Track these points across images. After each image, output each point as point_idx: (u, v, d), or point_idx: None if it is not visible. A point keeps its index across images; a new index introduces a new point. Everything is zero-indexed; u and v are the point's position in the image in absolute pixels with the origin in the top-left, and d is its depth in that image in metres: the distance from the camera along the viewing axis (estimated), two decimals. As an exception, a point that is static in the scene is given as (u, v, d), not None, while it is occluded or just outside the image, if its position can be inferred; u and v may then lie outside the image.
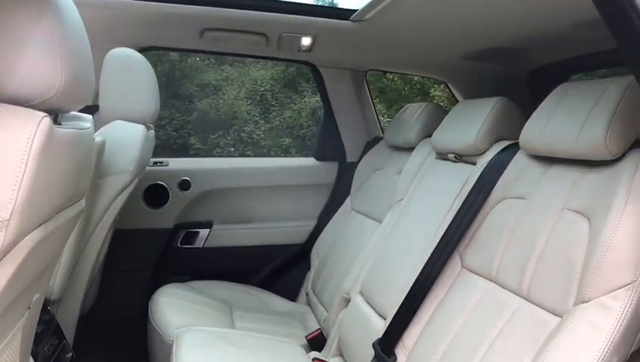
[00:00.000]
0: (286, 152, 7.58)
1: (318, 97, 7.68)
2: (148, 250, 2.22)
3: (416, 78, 7.45)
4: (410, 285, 1.39)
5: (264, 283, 2.30)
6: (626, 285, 0.88)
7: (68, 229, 1.04)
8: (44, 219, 0.82)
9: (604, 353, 0.86)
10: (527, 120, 1.53)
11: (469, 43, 1.88)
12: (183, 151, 7.34)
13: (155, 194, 2.22)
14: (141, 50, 2.01)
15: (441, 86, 7.53)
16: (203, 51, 2.17)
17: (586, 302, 0.92)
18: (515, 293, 1.12)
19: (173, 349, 1.50)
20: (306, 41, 1.99)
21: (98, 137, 1.51)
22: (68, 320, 1.60)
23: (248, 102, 8.05)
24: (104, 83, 1.67)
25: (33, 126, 0.70)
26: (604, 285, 0.90)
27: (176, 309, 1.82)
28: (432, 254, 1.36)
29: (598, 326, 0.88)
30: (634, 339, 0.87)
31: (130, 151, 1.63)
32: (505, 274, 1.17)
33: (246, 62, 8.52)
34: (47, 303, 1.48)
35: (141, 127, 1.67)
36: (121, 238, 2.10)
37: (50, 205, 0.83)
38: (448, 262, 1.33)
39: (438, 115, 1.87)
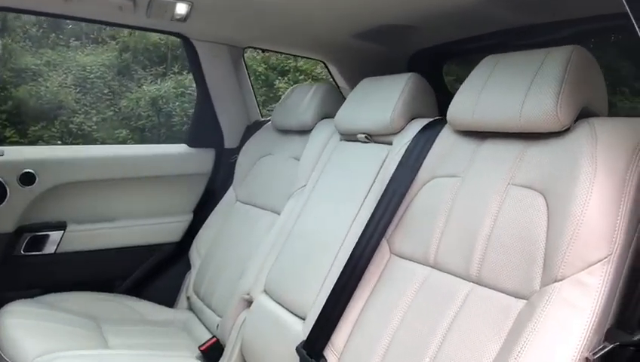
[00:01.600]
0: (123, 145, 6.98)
1: (158, 86, 7.20)
2: (-22, 261, 1.76)
3: (260, 70, 7.38)
4: (333, 278, 1.25)
5: (135, 289, 1.98)
6: (602, 259, 0.84)
7: None
8: None
9: (586, 333, 0.81)
10: (435, 98, 1.50)
11: (356, 21, 1.79)
12: (-7, 144, 6.34)
13: None
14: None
15: (286, 77, 7.57)
16: (53, 15, 1.76)
17: (560, 281, 0.86)
18: (462, 278, 1.05)
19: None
20: (180, 8, 1.72)
21: None
22: None
23: (77, 90, 7.25)
24: None
25: None
26: (579, 262, 0.85)
27: (29, 332, 1.45)
28: (357, 243, 1.23)
29: (577, 306, 0.83)
30: (609, 315, 0.84)
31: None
32: (447, 258, 1.09)
33: (71, 46, 7.70)
34: None
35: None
36: None
37: None
38: (377, 251, 1.21)
39: (333, 95, 1.76)
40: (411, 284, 1.13)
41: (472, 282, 1.03)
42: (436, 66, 2.19)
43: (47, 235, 1.87)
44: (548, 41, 1.70)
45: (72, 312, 1.67)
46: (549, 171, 0.97)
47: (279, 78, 7.61)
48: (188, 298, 1.91)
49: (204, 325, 1.76)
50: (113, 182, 1.99)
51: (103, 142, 7.01)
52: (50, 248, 1.87)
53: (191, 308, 1.89)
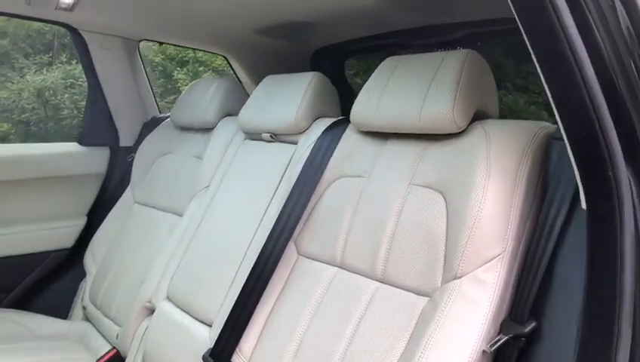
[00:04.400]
0: (4, 140, 6.40)
1: (44, 76, 6.66)
2: None
3: (157, 60, 7.09)
4: (239, 282, 1.23)
5: (22, 302, 1.82)
6: (497, 256, 0.89)
7: None
8: None
9: (484, 327, 0.86)
10: (338, 97, 1.51)
11: (258, 16, 1.76)
12: None
13: None
14: None
15: (185, 69, 7.33)
16: None
17: (459, 278, 0.90)
18: (369, 277, 1.06)
19: None
20: (66, -4, 1.59)
21: None
22: None
23: None
24: None
25: None
26: (476, 259, 0.89)
27: None
28: (264, 245, 1.22)
29: (475, 301, 0.87)
30: (504, 308, 0.89)
31: None
32: (353, 258, 1.10)
33: (-63, 30, 6.92)
34: None
35: None
36: None
37: None
38: (284, 253, 1.20)
39: (237, 92, 1.72)
40: (319, 285, 1.13)
41: (378, 281, 1.05)
42: (338, 63, 2.22)
43: None
44: (444, 42, 1.79)
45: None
46: (447, 172, 1.01)
47: (178, 68, 7.35)
48: (84, 307, 1.79)
49: (103, 336, 1.65)
50: (-5, 184, 1.81)
51: (-21, 137, 6.38)
52: None
53: (87, 319, 1.77)
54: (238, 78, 2.20)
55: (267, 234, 1.22)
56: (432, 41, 1.77)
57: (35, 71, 6.71)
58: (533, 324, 0.84)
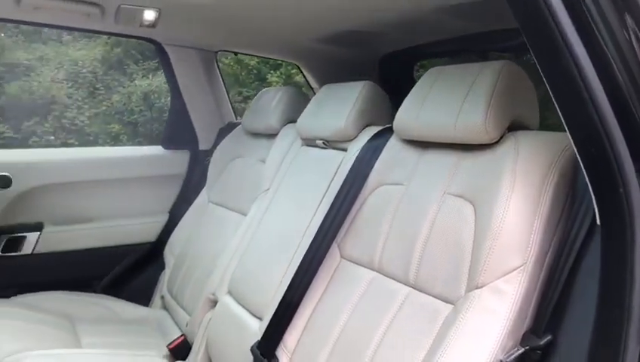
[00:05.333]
0: (116, 139, 7.01)
1: (150, 80, 7.20)
2: (-43, 263, 1.82)
3: (252, 63, 7.38)
4: (288, 280, 1.31)
5: (111, 289, 2.04)
6: (517, 268, 0.89)
7: None
8: None
9: (502, 337, 0.87)
10: (391, 105, 1.55)
11: (323, 26, 1.84)
12: (-11, 141, 6.39)
13: None
14: None
15: (278, 72, 7.58)
16: (20, 22, 1.80)
17: (480, 287, 0.92)
18: (402, 282, 1.10)
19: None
20: (149, 15, 1.76)
21: None
22: None
23: (69, 85, 7.27)
24: None
25: None
26: (497, 270, 0.90)
27: (4, 331, 1.51)
28: (310, 246, 1.29)
29: (494, 311, 0.88)
30: (525, 320, 0.89)
31: None
32: (389, 263, 1.14)
33: (63, 40, 7.70)
34: None
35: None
36: None
37: None
38: (328, 255, 1.27)
39: (299, 99, 1.81)
40: (357, 288, 1.19)
41: (410, 286, 1.08)
42: (407, 68, 2.24)
43: (24, 236, 1.93)
44: (509, 47, 1.76)
45: (47, 312, 1.73)
46: (478, 182, 1.02)
47: (271, 72, 7.60)
48: (162, 297, 1.97)
49: (176, 324, 1.81)
50: (89, 183, 2.04)
51: (96, 137, 7.04)
52: (27, 249, 1.93)
53: (165, 307, 1.95)
54: (309, 85, 2.29)
55: (313, 236, 1.29)
56: (498, 46, 1.74)
57: (142, 76, 7.28)
58: (549, 337, 0.84)
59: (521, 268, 0.89)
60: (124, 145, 6.87)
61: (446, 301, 0.99)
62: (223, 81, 2.24)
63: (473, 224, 0.99)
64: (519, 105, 1.06)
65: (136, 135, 7.17)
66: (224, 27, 1.92)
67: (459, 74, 1.15)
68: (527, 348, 0.85)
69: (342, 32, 1.86)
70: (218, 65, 2.21)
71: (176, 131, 2.18)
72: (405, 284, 1.09)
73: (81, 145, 6.85)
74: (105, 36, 7.67)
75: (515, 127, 1.05)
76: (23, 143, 6.58)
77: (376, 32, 1.86)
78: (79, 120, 7.20)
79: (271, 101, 1.84)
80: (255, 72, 7.53)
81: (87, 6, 1.67)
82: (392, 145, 1.28)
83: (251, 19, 1.81)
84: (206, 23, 1.89)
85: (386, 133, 1.33)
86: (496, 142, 1.03)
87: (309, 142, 1.59)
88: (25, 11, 1.66)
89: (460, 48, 1.94)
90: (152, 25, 1.83)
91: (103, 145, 6.88)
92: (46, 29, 7.58)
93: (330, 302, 1.23)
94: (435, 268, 1.04)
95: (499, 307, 0.89)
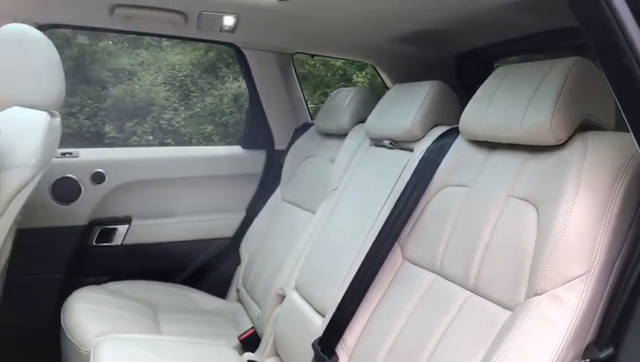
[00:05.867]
0: (208, 140, 7.35)
1: (240, 83, 7.48)
2: (58, 250, 2.00)
3: (338, 64, 7.44)
4: (349, 279, 1.32)
5: (191, 280, 2.16)
6: (580, 276, 0.84)
7: None
8: None
9: (559, 349, 0.82)
10: (460, 104, 1.51)
11: (396, 25, 1.83)
12: (97, 140, 6.91)
13: (64, 189, 2.00)
14: (43, 28, 1.79)
15: (363, 72, 7.57)
16: (113, 30, 1.96)
17: (539, 294, 0.88)
18: (462, 286, 1.08)
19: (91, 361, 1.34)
20: (228, 20, 1.84)
21: (-10, 127, 1.31)
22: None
23: (166, 88, 7.71)
24: None
25: None
26: (557, 277, 0.86)
27: (92, 315, 1.64)
28: (372, 246, 1.29)
29: (553, 321, 0.84)
30: (588, 331, 0.84)
31: (31, 141, 1.42)
32: (450, 266, 1.12)
33: (162, 46, 8.15)
34: None
35: (43, 114, 1.47)
36: (27, 238, 1.87)
37: None
38: (389, 254, 1.27)
39: (370, 100, 1.81)
40: (418, 289, 1.17)
41: (469, 290, 1.06)
42: (486, 67, 2.17)
43: (115, 228, 2.09)
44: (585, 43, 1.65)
45: (133, 299, 1.86)
46: (542, 184, 0.98)
47: (357, 72, 7.61)
48: (237, 290, 2.06)
49: (249, 316, 1.89)
50: (174, 180, 2.17)
51: (190, 138, 7.42)
52: (117, 240, 2.09)
53: (239, 300, 2.03)
54: (385, 85, 2.29)
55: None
56: (574, 43, 1.65)
57: (233, 79, 7.58)
58: (610, 351, 0.79)
59: (584, 276, 0.84)
60: (216, 144, 7.19)
61: (505, 307, 0.96)
62: (299, 82, 2.29)
63: (535, 228, 0.95)
64: (591, 105, 1.00)
65: (226, 135, 7.46)
66: (300, 30, 1.96)
67: (528, 72, 1.10)
68: (588, 360, 0.81)
69: (417, 31, 1.84)
70: (294, 67, 2.26)
71: (254, 132, 2.26)
72: (465, 288, 1.07)
73: (176, 144, 7.25)
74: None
75: (586, 127, 0.99)
76: (125, 142, 7.08)
77: (452, 31, 1.82)
78: (175, 121, 7.60)
79: (343, 101, 1.86)
80: (341, 72, 7.59)
81: (171, 14, 1.78)
82: (459, 145, 1.26)
83: (326, 21, 1.84)
84: (282, 27, 1.94)
85: (453, 133, 1.30)
86: (564, 144, 0.98)
87: (377, 142, 1.59)
88: (117, 21, 1.80)
89: (542, 45, 1.85)
90: (231, 30, 1.92)
91: (196, 144, 7.25)
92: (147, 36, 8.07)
93: (390, 302, 1.23)
94: (495, 272, 1.01)
95: (558, 316, 0.84)
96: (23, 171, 1.41)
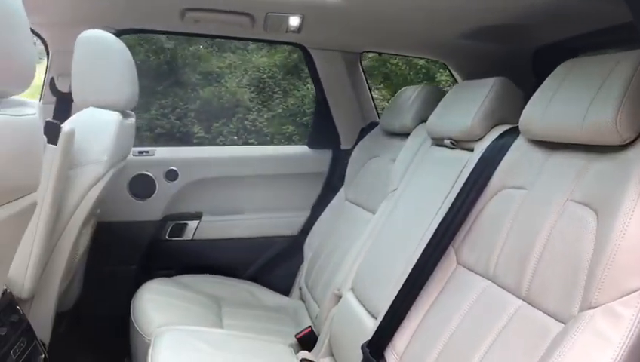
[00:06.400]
0: (289, 140, 7.48)
1: (320, 84, 7.53)
2: (134, 243, 2.13)
3: (421, 63, 7.30)
4: (403, 282, 1.29)
5: (256, 276, 2.20)
6: (638, 290, 0.76)
7: (14, 226, 0.94)
8: None
9: (613, 367, 0.75)
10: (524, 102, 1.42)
11: (467, 20, 1.75)
12: (187, 139, 7.25)
13: (141, 185, 2.12)
14: (120, 33, 1.91)
15: (447, 70, 7.35)
16: (184, 33, 2.05)
17: (594, 308, 0.80)
18: (514, 294, 1.01)
19: (150, 350, 1.41)
20: (294, 20, 1.86)
21: (67, 126, 1.41)
22: (42, 319, 1.51)
23: (251, 90, 7.94)
24: (75, 68, 1.57)
25: None
26: (613, 290, 0.78)
27: (158, 306, 1.72)
28: (425, 249, 1.25)
29: (607, 337, 0.77)
30: (648, 351, 0.76)
31: (104, 140, 1.52)
32: (504, 272, 1.06)
33: (249, 49, 8.40)
34: (17, 302, 1.39)
35: (115, 114, 1.56)
36: (106, 231, 2.01)
37: None
38: (443, 258, 1.22)
39: (434, 98, 1.75)
40: (470, 296, 1.12)
41: (521, 299, 0.99)
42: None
43: (186, 224, 2.18)
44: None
45: (199, 292, 1.93)
46: (604, 188, 0.89)
47: (440, 70, 7.43)
48: (300, 288, 2.07)
49: (309, 315, 1.89)
50: (242, 179, 2.24)
51: (272, 138, 7.61)
52: (188, 235, 2.18)
53: (302, 298, 2.04)
54: (456, 83, 2.21)
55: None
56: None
57: (315, 79, 7.65)
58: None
59: (643, 290, 0.76)
60: (296, 144, 7.32)
61: (557, 319, 0.89)
62: (366, 81, 2.27)
63: (594, 236, 0.87)
64: (663, 100, 0.90)
65: (306, 135, 7.52)
66: (366, 28, 1.94)
67: (594, 66, 1.02)
68: (643, 383, 0.73)
69: (490, 25, 1.76)
70: (362, 66, 2.24)
71: (321, 131, 2.27)
72: (517, 296, 1.00)
73: (258, 144, 7.46)
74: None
75: (658, 125, 0.89)
76: (211, 142, 7.38)
77: (528, 24, 1.72)
78: (259, 121, 7.81)
79: (407, 100, 1.82)
80: (424, 71, 7.44)
81: (239, 16, 1.83)
82: (519, 145, 1.18)
83: (393, 17, 1.81)
84: (348, 25, 1.93)
85: (515, 132, 1.23)
86: (630, 144, 0.89)
87: (438, 142, 1.54)
88: (188, 24, 1.87)
89: (631, 37, 1.70)
90: (297, 30, 1.94)
91: (277, 144, 7.41)
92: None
93: (441, 308, 1.18)
94: (549, 281, 0.93)
95: (613, 333, 0.77)
96: (96, 167, 1.51)
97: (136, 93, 1.69)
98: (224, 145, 7.33)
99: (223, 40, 8.13)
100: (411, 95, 1.82)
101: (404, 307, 1.24)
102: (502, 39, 1.87)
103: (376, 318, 1.37)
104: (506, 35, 1.82)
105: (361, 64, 2.24)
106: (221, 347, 1.47)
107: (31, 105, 0.92)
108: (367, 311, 1.43)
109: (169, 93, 7.61)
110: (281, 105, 7.85)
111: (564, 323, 0.87)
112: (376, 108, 2.31)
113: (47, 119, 1.47)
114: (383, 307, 1.34)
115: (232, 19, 1.85)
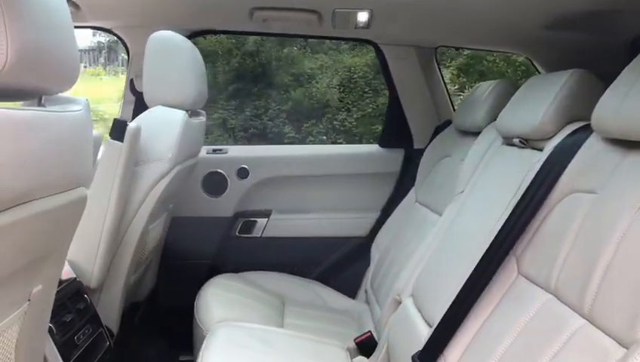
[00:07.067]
0: (378, 139, 7.40)
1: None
2: (207, 238, 2.19)
3: (520, 59, 6.91)
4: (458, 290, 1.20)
5: (324, 277, 2.18)
6: None
7: (63, 217, 0.98)
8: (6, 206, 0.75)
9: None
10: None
11: (553, 8, 1.61)
12: (278, 139, 7.42)
13: (213, 182, 2.18)
14: (193, 35, 1.97)
15: (549, 67, 6.89)
16: (253, 33, 2.08)
17: (660, 334, 0.69)
18: (576, 311, 0.90)
19: (203, 345, 1.43)
20: (362, 16, 1.81)
21: (133, 123, 1.47)
22: (110, 308, 1.59)
23: (341, 90, 7.96)
24: (146, 67, 1.64)
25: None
26: (682, 314, 0.66)
27: (221, 301, 1.75)
28: (483, 256, 1.15)
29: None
30: None
31: (169, 138, 1.57)
32: (565, 286, 0.95)
33: (340, 49, 8.42)
34: (85, 291, 1.47)
35: (181, 113, 1.61)
36: (180, 226, 2.08)
37: (11, 191, 0.75)
38: (502, 267, 1.12)
39: (509, 94, 1.62)
40: (529, 309, 1.01)
41: (583, 318, 0.88)
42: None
43: (255, 221, 2.21)
44: None
45: (264, 290, 1.94)
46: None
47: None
48: (365, 291, 2.02)
49: (372, 319, 1.84)
50: (312, 178, 2.22)
51: (361, 138, 7.58)
52: (257, 232, 2.21)
53: (367, 301, 1.99)
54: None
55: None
56: None
57: (405, 78, 7.50)
58: None
59: None
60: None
61: (620, 343, 0.77)
62: (441, 77, 2.16)
63: (668, 249, 0.74)
64: None
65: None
66: (441, 22, 1.85)
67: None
68: None
69: (577, 13, 1.61)
70: (437, 62, 2.14)
71: (393, 130, 2.21)
72: (579, 314, 0.89)
73: (347, 143, 7.46)
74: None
75: None
76: (301, 142, 7.49)
77: (624, 10, 1.55)
78: (348, 121, 7.81)
79: (480, 97, 1.71)
80: (523, 68, 7.05)
81: (306, 14, 1.81)
82: (591, 144, 1.05)
83: (469, 9, 1.70)
84: (421, 19, 1.85)
85: (587, 130, 1.10)
86: None
87: (508, 141, 1.42)
88: (256, 23, 1.89)
89: None
90: (366, 26, 1.88)
91: (366, 144, 7.36)
92: (327, 41, 8.43)
93: (498, 320, 1.08)
94: (614, 300, 0.82)
95: (680, 364, 0.65)
96: (161, 165, 1.56)
97: (205, 93, 1.73)
98: (313, 144, 7.41)
99: (315, 41, 8.25)
100: (484, 91, 1.70)
101: (458, 317, 1.15)
102: (592, 29, 1.70)
103: (431, 327, 1.29)
104: (597, 23, 1.65)
105: (436, 60, 2.14)
106: (274, 346, 1.46)
107: (78, 103, 0.96)
108: (424, 319, 1.35)
109: (263, 94, 7.82)
110: (370, 105, 7.79)
111: (627, 349, 0.75)
112: (453, 105, 2.19)
113: (115, 117, 1.54)
114: (439, 315, 1.26)
115: (299, 17, 1.83)
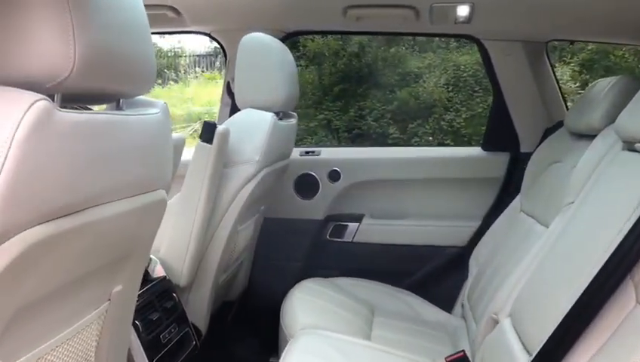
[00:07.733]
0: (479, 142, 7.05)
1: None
2: (298, 240, 2.17)
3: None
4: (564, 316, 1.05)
5: (417, 287, 2.06)
6: None
7: (141, 219, 0.98)
8: (71, 210, 0.75)
9: None
10: None
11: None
12: (382, 140, 7.35)
13: (305, 185, 2.16)
14: (288, 36, 1.95)
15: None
16: (347, 32, 2.02)
17: None
18: None
19: (284, 351, 1.39)
20: (462, 10, 1.69)
21: (221, 126, 1.47)
22: (198, 307, 1.61)
23: (449, 89, 7.70)
24: (237, 70, 1.64)
25: (20, 112, 0.63)
26: None
27: (307, 307, 1.71)
28: (595, 278, 1.00)
29: None
30: None
31: (257, 140, 1.56)
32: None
33: (450, 47, 8.16)
34: (174, 290, 1.50)
35: (269, 115, 1.59)
36: (273, 227, 2.08)
37: (73, 195, 0.75)
38: (617, 293, 0.96)
39: (632, 92, 1.41)
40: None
41: None
42: None
43: (347, 225, 2.15)
44: None
45: (354, 297, 1.87)
46: None
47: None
48: (462, 305, 1.88)
49: (468, 336, 1.70)
50: (407, 182, 2.12)
51: (470, 139, 7.26)
52: (348, 237, 2.15)
53: (463, 316, 1.85)
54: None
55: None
56: None
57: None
58: None
59: None
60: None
61: None
62: (554, 75, 1.96)
63: None
64: None
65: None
66: (549, 13, 1.67)
67: None
68: None
69: None
70: (549, 58, 1.94)
71: (497, 132, 2.04)
72: None
73: (455, 145, 7.19)
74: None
75: None
76: (406, 143, 7.35)
77: None
78: (456, 122, 7.54)
79: (598, 95, 1.51)
80: (643, 67, 6.37)
81: (401, 10, 1.73)
82: None
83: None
84: (529, 12, 1.68)
85: None
86: None
87: (630, 146, 1.23)
88: (349, 22, 1.83)
89: None
90: (467, 20, 1.76)
91: (475, 145, 7.04)
92: (436, 38, 8.20)
93: (611, 354, 0.93)
94: None
95: None
96: (249, 167, 1.55)
97: (296, 95, 1.71)
98: (419, 145, 7.24)
99: (423, 39, 8.04)
100: (603, 88, 1.50)
101: (563, 348, 1.01)
102: None
103: (530, 355, 1.15)
104: None
105: (547, 55, 1.94)
106: (354, 359, 1.38)
107: (155, 106, 0.96)
108: (523, 344, 1.21)
109: (368, 94, 7.79)
110: (480, 105, 7.45)
111: None
112: (567, 105, 1.98)
113: (205, 119, 1.56)
114: (540, 343, 1.11)
115: (394, 14, 1.75)
